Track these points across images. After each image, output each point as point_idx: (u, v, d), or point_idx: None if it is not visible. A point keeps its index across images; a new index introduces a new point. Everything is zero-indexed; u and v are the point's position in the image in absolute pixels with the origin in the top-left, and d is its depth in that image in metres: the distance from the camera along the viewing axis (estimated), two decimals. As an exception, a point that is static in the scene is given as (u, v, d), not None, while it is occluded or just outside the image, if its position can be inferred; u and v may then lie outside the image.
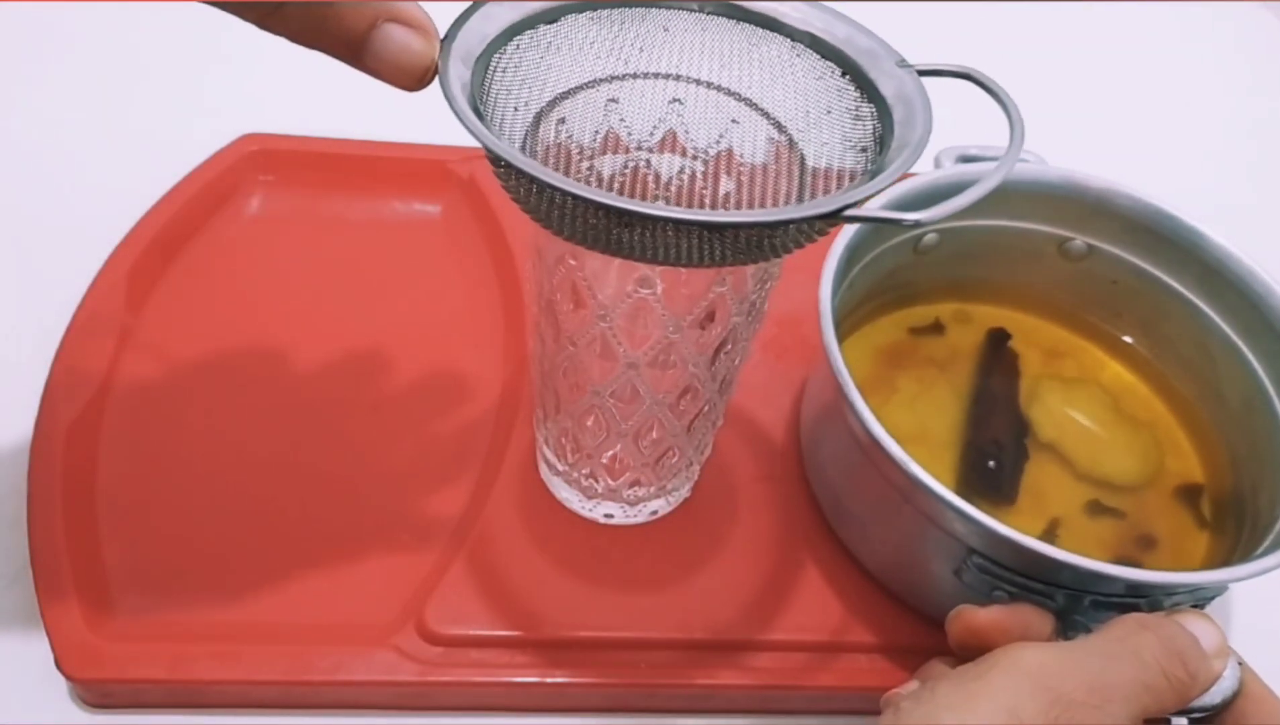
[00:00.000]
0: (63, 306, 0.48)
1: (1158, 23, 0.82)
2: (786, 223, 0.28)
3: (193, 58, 0.64)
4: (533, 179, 0.28)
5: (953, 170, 0.49)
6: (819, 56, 0.34)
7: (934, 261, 0.49)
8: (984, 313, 0.51)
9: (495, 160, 0.29)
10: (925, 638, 0.42)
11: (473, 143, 0.29)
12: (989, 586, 0.38)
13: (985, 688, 0.31)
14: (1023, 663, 0.32)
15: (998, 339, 0.51)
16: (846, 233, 0.43)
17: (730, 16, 0.34)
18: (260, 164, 0.55)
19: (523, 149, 0.32)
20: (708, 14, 0.34)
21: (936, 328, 0.51)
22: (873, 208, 0.33)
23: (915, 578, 0.42)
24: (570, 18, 0.33)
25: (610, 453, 0.41)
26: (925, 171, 0.44)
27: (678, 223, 0.28)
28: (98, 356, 0.47)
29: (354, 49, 0.29)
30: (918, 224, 0.28)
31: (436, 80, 0.30)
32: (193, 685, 0.39)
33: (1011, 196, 0.48)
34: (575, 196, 0.27)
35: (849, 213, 0.28)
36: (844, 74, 0.33)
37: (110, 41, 0.65)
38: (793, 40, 0.34)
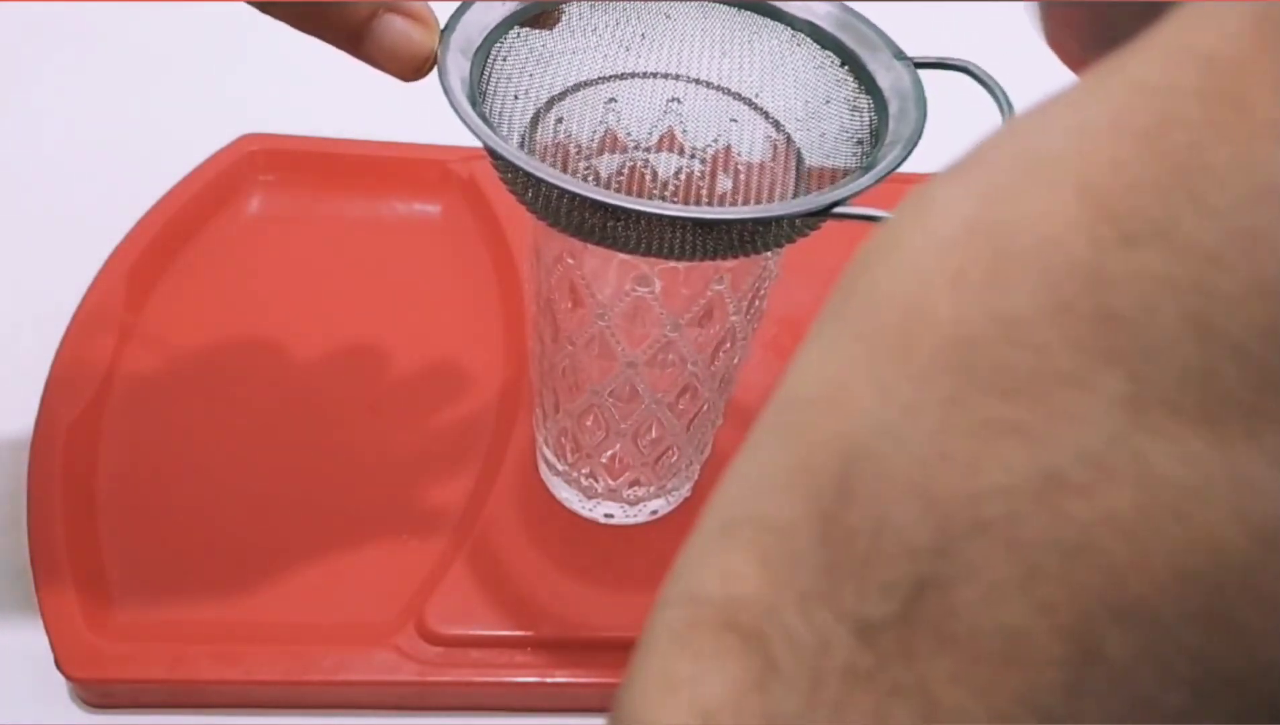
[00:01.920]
0: (63, 306, 0.48)
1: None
2: (776, 219, 0.28)
3: (193, 58, 0.64)
4: (528, 174, 0.28)
5: None
6: (818, 46, 0.33)
7: None
8: None
9: (491, 153, 0.30)
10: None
11: (473, 142, 0.29)
12: None
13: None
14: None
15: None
16: None
17: (732, 4, 0.34)
18: (260, 164, 0.55)
19: (522, 145, 0.32)
20: (709, 1, 0.34)
21: None
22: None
23: None
24: (573, 5, 0.33)
25: (610, 452, 0.41)
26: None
27: (670, 219, 0.28)
28: (98, 356, 0.47)
29: (354, 37, 0.30)
30: None
31: (435, 73, 0.30)
32: (193, 685, 0.39)
33: None
34: (569, 192, 0.27)
35: (839, 210, 0.28)
36: (842, 64, 0.33)
37: (110, 41, 0.65)
38: (793, 29, 0.34)
